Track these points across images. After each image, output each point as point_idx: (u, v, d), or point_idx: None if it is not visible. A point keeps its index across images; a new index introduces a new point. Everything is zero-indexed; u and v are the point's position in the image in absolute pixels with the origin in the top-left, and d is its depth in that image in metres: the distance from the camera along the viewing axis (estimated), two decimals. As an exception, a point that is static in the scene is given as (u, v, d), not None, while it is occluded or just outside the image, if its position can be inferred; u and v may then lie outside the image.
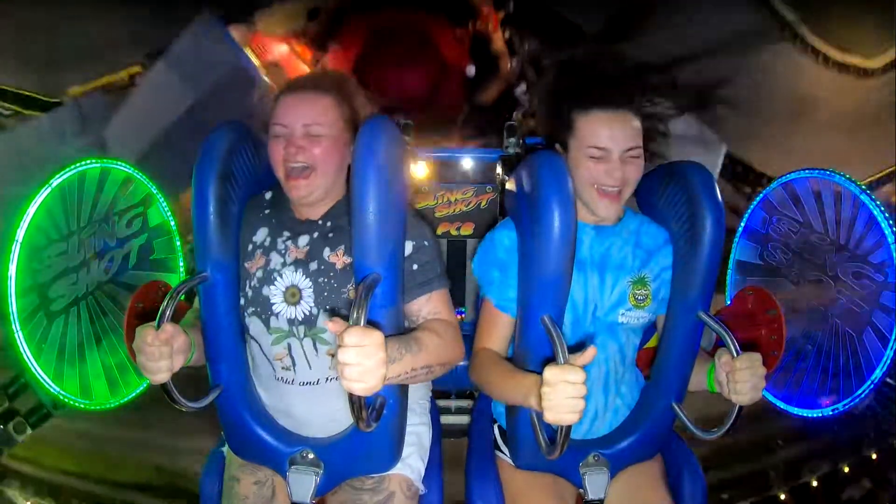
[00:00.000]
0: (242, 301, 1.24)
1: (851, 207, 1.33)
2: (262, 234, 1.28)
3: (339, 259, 1.23)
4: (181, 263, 1.62)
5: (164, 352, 1.06)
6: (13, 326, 1.17)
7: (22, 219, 1.19)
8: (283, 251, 1.26)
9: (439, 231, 2.03)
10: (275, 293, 1.23)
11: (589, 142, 1.22)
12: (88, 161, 1.34)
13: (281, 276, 1.23)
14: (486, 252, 1.32)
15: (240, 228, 1.24)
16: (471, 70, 4.45)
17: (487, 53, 4.40)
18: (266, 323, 1.24)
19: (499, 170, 1.96)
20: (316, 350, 1.24)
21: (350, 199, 1.09)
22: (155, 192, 1.54)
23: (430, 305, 1.22)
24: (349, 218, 1.11)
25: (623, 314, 1.28)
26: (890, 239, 1.26)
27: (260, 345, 1.27)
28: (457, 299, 2.04)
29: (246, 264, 1.26)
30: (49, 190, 1.24)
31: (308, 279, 1.22)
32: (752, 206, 1.57)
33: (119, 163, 1.43)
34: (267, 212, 1.31)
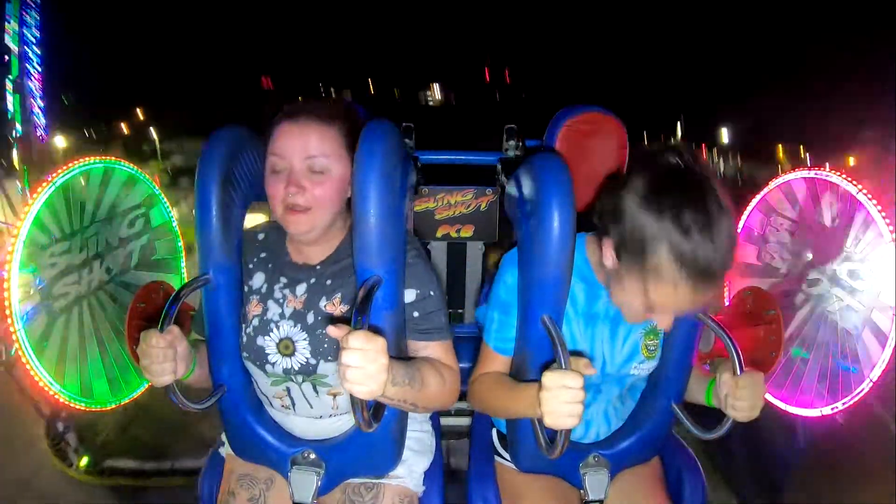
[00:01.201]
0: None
1: (849, 207, 1.34)
2: (258, 280, 1.25)
3: (335, 308, 1.20)
4: (182, 264, 1.63)
5: (168, 354, 1.06)
6: (15, 325, 1.17)
7: (25, 217, 1.19)
8: (280, 300, 1.22)
9: (439, 233, 2.04)
10: (269, 344, 1.21)
11: (651, 300, 1.03)
12: (92, 160, 1.35)
13: (278, 327, 1.21)
14: (491, 294, 1.28)
15: (242, 231, 1.25)
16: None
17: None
18: (262, 369, 1.23)
19: (499, 172, 1.97)
20: (316, 392, 1.23)
21: (351, 240, 1.07)
22: (157, 192, 1.55)
23: (429, 350, 1.19)
24: (352, 261, 1.09)
25: (636, 367, 1.25)
26: (887, 238, 1.27)
27: (258, 384, 1.27)
28: (457, 299, 2.05)
29: (244, 308, 1.24)
30: (53, 189, 1.24)
31: (304, 332, 1.20)
32: (749, 208, 1.58)
33: (122, 163, 1.44)
34: (263, 255, 1.27)
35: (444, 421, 1.83)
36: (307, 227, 1.15)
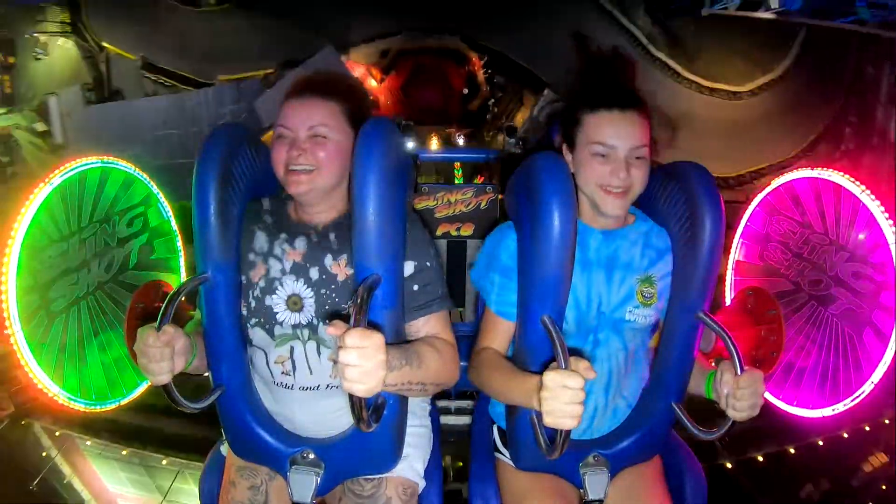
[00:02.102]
0: (245, 311, 1.23)
1: (851, 207, 1.33)
2: (260, 241, 1.27)
3: (341, 270, 1.22)
4: (181, 263, 1.63)
5: (165, 353, 1.06)
6: (14, 326, 1.17)
7: (22, 218, 1.19)
8: (280, 255, 1.24)
9: (439, 232, 2.03)
10: (277, 302, 1.22)
11: (594, 138, 1.22)
12: (89, 161, 1.34)
13: (282, 284, 1.22)
14: (488, 258, 1.31)
15: (240, 230, 1.24)
16: (465, 91, 9.57)
17: (474, 82, 9.47)
18: (270, 333, 1.23)
19: (498, 170, 1.97)
20: (319, 354, 1.23)
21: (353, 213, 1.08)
22: (155, 192, 1.54)
23: (428, 326, 1.21)
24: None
25: (631, 311, 1.27)
26: (889, 239, 1.26)
27: (266, 356, 1.26)
28: (457, 299, 2.05)
29: (250, 273, 1.24)
30: (50, 189, 1.24)
31: (309, 289, 1.21)
32: (752, 207, 1.57)
33: (120, 163, 1.43)
34: (266, 218, 1.30)
35: (444, 420, 1.83)
36: (307, 187, 1.18)
